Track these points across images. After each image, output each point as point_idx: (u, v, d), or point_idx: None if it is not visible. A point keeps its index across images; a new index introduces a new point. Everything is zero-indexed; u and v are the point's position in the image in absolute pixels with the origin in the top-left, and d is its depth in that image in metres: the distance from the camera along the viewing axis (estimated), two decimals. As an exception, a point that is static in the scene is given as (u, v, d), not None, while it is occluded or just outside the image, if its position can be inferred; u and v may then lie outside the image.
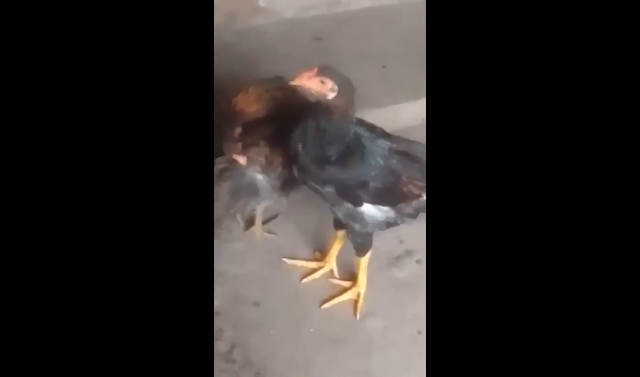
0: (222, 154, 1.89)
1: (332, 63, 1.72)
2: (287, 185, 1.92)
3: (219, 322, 1.93)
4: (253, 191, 1.91)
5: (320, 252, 2.14)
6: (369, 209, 1.82)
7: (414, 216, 1.86)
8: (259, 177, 1.90)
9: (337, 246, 2.07)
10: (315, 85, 1.64)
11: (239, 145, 1.84)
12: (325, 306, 2.00)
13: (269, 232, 2.18)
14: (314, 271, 2.08)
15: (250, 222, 2.13)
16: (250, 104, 1.87)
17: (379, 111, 2.46)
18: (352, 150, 1.74)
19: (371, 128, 1.83)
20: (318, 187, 1.79)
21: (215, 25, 2.79)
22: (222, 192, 1.87)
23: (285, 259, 2.11)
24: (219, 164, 1.87)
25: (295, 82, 1.64)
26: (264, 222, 2.17)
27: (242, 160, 1.84)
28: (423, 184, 1.80)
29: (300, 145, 1.73)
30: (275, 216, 2.19)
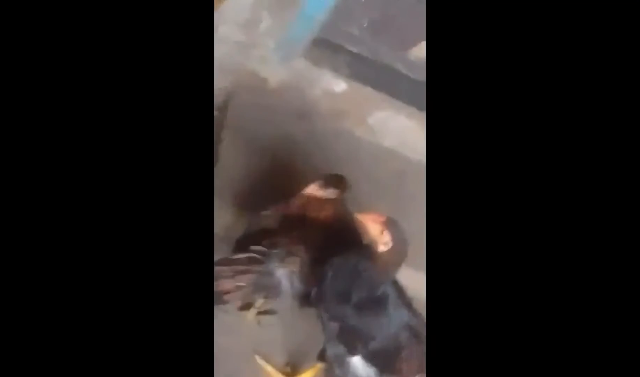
0: (258, 226, 1.89)
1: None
2: (305, 301, 1.91)
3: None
4: (276, 292, 1.91)
5: (292, 368, 2.09)
6: (357, 364, 1.78)
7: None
8: (286, 282, 1.89)
9: (311, 375, 2.02)
10: (374, 230, 1.64)
11: (281, 238, 1.84)
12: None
13: (259, 322, 2.14)
14: (278, 383, 2.04)
15: (247, 305, 2.10)
16: (308, 209, 1.89)
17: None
18: (373, 304, 1.74)
19: (401, 293, 1.82)
20: (325, 318, 1.78)
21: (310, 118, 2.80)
22: (246, 282, 1.86)
23: (258, 357, 2.07)
24: (252, 252, 1.87)
25: (359, 218, 1.66)
26: (259, 313, 2.14)
27: (277, 256, 1.84)
28: (417, 368, 1.76)
29: (330, 273, 1.73)
30: (272, 312, 2.17)
